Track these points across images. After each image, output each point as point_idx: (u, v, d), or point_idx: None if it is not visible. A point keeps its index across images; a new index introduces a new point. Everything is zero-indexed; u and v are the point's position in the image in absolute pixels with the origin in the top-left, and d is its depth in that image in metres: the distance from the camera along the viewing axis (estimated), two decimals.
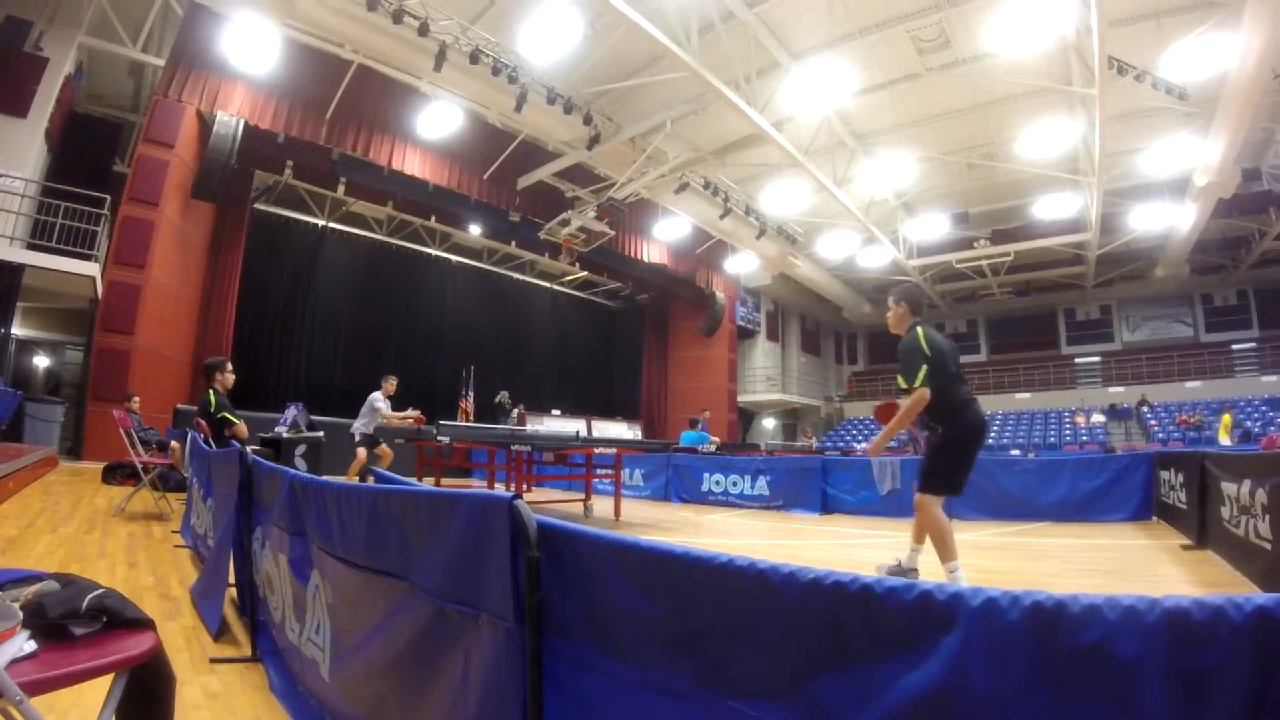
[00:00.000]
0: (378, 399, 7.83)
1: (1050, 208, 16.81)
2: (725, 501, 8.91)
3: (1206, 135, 12.18)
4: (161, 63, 10.60)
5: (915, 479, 3.61)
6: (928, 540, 3.59)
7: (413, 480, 2.02)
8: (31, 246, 9.71)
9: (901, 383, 3.46)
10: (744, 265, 19.72)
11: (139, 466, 5.75)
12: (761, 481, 8.63)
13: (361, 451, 7.71)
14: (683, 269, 18.90)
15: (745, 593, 0.82)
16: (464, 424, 13.01)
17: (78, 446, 10.54)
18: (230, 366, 5.45)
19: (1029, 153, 14.20)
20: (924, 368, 3.39)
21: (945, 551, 3.40)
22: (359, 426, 7.80)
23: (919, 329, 3.55)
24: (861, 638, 0.73)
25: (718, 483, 9.09)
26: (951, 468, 3.50)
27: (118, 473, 7.60)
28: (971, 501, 7.34)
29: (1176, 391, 20.14)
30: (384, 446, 7.97)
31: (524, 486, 7.12)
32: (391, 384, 8.06)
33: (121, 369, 9.88)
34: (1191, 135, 12.88)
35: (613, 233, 14.24)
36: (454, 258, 19.40)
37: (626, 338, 23.31)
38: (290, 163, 13.33)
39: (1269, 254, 18.86)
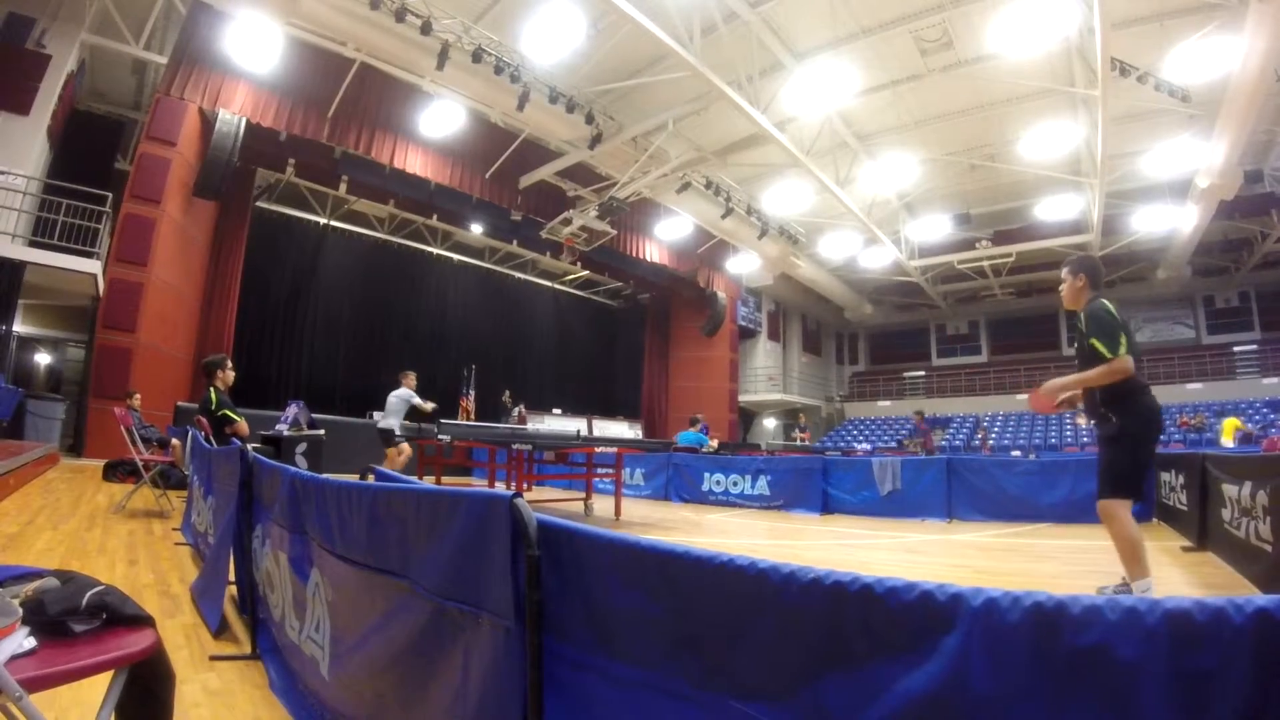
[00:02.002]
0: (410, 395, 7.97)
1: (1052, 209, 16.80)
2: (726, 501, 8.90)
3: (1209, 137, 12.15)
4: (164, 61, 10.62)
5: (1098, 485, 3.14)
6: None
7: (413, 479, 2.02)
8: (33, 244, 9.73)
9: (1103, 350, 3.06)
10: (745, 265, 19.70)
11: (140, 464, 5.75)
12: (762, 481, 8.62)
13: (406, 446, 7.95)
14: (684, 269, 18.88)
15: (745, 593, 0.82)
16: (465, 423, 13.04)
17: (79, 444, 10.55)
18: (230, 364, 5.46)
19: (1031, 154, 14.19)
20: (1124, 338, 3.04)
21: (1137, 567, 2.93)
22: (392, 423, 7.89)
23: (1105, 301, 3.24)
24: (862, 638, 0.73)
25: (718, 482, 9.08)
26: (1138, 464, 3.11)
27: (118, 470, 7.60)
28: (972, 502, 7.35)
29: (1178, 393, 20.09)
30: (406, 444, 8.15)
31: (524, 485, 7.12)
32: (412, 379, 8.21)
33: (123, 366, 9.89)
34: (1194, 137, 12.86)
35: (614, 232, 14.26)
36: (455, 256, 19.40)
37: (628, 337, 23.31)
38: (292, 161, 13.34)
39: (1271, 256, 18.84)
